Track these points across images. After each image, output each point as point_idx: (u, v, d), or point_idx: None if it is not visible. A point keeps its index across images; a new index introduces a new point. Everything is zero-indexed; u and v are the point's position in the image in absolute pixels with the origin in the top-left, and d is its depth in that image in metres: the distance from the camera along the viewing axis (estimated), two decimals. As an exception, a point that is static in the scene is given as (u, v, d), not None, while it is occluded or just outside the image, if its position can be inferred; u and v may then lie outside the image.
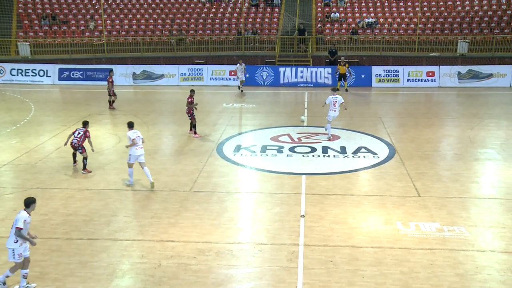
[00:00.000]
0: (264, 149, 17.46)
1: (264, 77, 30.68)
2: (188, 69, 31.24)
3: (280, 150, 17.33)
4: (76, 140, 15.26)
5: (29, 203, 8.99)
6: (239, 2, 36.89)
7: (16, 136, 18.88)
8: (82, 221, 11.78)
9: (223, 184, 14.23)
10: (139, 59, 32.69)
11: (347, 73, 28.33)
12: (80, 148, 15.25)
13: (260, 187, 14.31)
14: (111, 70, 24.85)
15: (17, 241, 8.78)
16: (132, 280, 9.47)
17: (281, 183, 14.27)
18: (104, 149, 17.56)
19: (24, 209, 8.93)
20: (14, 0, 36.53)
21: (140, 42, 33.52)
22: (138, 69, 31.31)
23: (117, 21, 35.72)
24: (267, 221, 11.88)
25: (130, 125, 14.18)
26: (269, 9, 36.74)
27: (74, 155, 15.74)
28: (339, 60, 28.98)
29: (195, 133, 19.05)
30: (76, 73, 31.53)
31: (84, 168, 15.27)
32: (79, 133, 15.35)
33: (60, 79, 31.49)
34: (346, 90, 28.42)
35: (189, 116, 19.05)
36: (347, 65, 28.39)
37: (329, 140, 18.27)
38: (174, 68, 31.31)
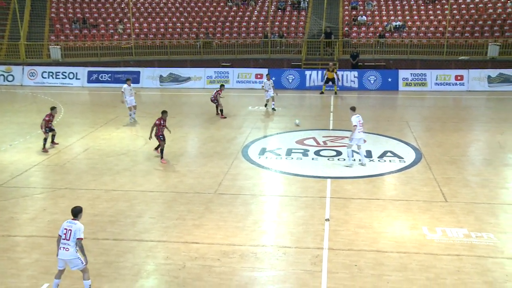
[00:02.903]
0: (289, 152, 17.43)
1: (290, 80, 30.67)
2: (214, 72, 31.45)
3: (305, 153, 17.28)
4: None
5: (77, 212, 8.86)
6: (266, 5, 36.98)
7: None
8: (108, 222, 11.96)
9: (248, 187, 14.26)
10: (166, 62, 33.07)
11: (335, 77, 28.47)
12: (43, 129, 17.72)
13: (285, 190, 14.29)
14: (222, 84, 23.81)
15: (77, 250, 8.76)
16: (157, 281, 9.56)
17: (306, 187, 14.22)
18: (130, 151, 17.81)
19: (73, 219, 8.78)
20: (47, 5, 37.44)
21: (167, 45, 33.91)
22: (165, 72, 31.68)
23: (145, 24, 36.22)
24: (292, 224, 11.85)
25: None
26: (295, 13, 36.72)
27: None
28: (327, 66, 29.18)
29: (162, 157, 16.53)
30: (105, 75, 32.08)
31: (43, 147, 17.74)
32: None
33: (89, 81, 32.12)
34: (336, 93, 28.59)
35: (159, 137, 16.47)
36: (335, 70, 28.54)
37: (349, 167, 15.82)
38: (201, 71, 31.55)
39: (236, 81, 31.14)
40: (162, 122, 16.50)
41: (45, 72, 32.58)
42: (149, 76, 31.71)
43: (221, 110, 22.96)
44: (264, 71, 30.14)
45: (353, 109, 16.36)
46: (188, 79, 31.40)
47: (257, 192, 13.99)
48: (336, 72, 28.57)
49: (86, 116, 23.68)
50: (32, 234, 11.43)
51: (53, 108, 18.37)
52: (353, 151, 16.12)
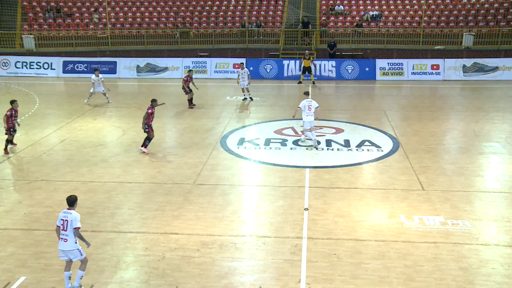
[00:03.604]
0: (267, 142, 17.45)
1: (268, 70, 30.62)
2: (192, 62, 31.20)
3: (283, 143, 17.32)
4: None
5: (73, 201, 8.78)
6: (243, -6, 36.77)
7: (21, 128, 18.84)
8: (87, 214, 11.80)
9: (226, 177, 14.24)
10: (143, 52, 32.68)
11: (312, 66, 28.50)
12: (5, 125, 16.30)
13: (263, 180, 14.31)
14: (190, 70, 23.73)
15: (77, 241, 8.65)
16: (136, 272, 9.51)
17: (285, 176, 14.26)
18: (108, 142, 17.60)
19: (69, 208, 8.69)
20: (18, -7, 36.54)
21: (144, 35, 33.48)
22: (142, 62, 31.32)
23: (121, 14, 35.66)
24: (271, 214, 11.89)
25: None
26: (273, 2, 36.56)
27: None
28: (303, 54, 29.17)
29: (146, 146, 16.32)
30: (80, 65, 31.55)
31: (5, 149, 16.31)
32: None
33: (64, 71, 31.53)
34: (313, 83, 28.60)
35: (145, 129, 16.18)
36: (311, 58, 28.71)
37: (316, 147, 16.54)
38: (178, 61, 31.29)
39: (214, 71, 30.96)
40: (153, 110, 16.35)
41: (19, 62, 31.84)
42: (126, 66, 31.31)
43: (190, 100, 22.77)
44: (242, 61, 30.04)
45: (306, 93, 17.77)
46: (166, 69, 31.12)
47: (236, 182, 13.98)
48: (312, 61, 28.63)
49: (62, 107, 23.28)
50: (7, 227, 11.24)
51: (13, 102, 16.59)
52: (309, 133, 16.82)
